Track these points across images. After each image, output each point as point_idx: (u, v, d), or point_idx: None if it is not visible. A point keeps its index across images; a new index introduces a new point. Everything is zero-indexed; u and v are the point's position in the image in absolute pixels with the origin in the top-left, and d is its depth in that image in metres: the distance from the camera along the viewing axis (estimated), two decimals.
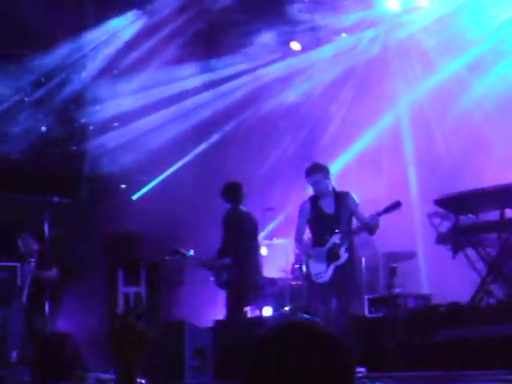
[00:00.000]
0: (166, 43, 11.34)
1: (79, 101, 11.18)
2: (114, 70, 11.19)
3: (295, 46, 11.81)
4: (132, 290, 10.25)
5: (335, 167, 10.05)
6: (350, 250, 7.20)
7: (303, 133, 11.93)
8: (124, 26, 11.21)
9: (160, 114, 11.16)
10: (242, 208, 9.10)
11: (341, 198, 7.29)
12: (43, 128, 10.86)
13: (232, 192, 9.05)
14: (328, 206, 7.31)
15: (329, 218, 7.26)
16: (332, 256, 7.16)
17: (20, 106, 10.59)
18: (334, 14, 11.02)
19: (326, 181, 7.24)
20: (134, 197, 11.66)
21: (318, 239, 7.23)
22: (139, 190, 11.68)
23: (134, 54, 11.19)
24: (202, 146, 11.54)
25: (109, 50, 11.14)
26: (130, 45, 11.18)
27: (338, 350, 2.33)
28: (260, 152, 11.58)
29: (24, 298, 8.83)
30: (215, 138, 11.59)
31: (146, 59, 11.27)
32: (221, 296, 9.19)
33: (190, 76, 11.38)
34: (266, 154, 11.61)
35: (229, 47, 11.50)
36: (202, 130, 11.49)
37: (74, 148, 10.93)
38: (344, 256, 7.35)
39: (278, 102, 11.57)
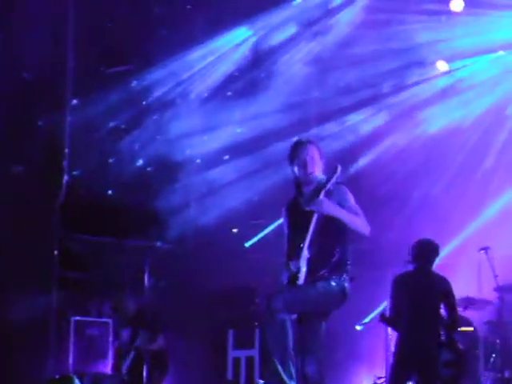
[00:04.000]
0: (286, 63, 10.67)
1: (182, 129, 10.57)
2: (226, 92, 10.67)
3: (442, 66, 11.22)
4: (244, 353, 10.13)
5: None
6: None
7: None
8: (235, 44, 10.71)
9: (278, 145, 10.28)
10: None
11: None
12: (140, 161, 10.37)
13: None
14: None
15: None
16: None
17: (116, 133, 10.20)
18: None
19: None
20: (247, 244, 11.13)
21: None
22: (253, 236, 11.15)
23: (248, 75, 10.71)
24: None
25: (219, 71, 10.61)
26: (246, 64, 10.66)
27: None
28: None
29: (124, 370, 8.49)
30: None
31: (263, 80, 10.74)
32: None
33: None
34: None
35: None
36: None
37: (177, 185, 10.32)
38: None
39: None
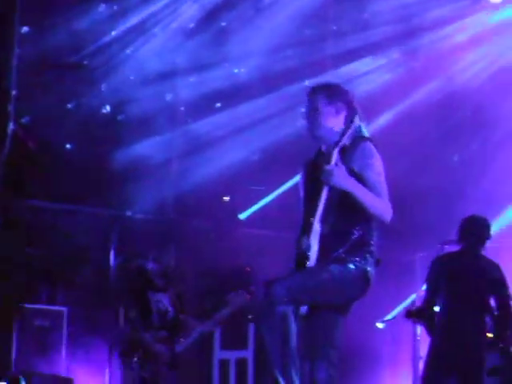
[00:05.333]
0: None
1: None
2: (219, 22, 10.18)
3: None
4: (233, 355, 9.90)
5: None
6: None
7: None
8: None
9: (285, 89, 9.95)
10: None
11: None
12: (107, 108, 9.97)
13: None
14: None
15: None
16: None
17: (77, 70, 9.68)
18: None
19: None
20: (242, 216, 10.63)
21: None
22: (250, 207, 10.69)
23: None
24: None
25: None
26: None
27: None
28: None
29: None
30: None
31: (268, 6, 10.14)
32: None
33: None
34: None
35: None
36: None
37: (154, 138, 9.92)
38: None
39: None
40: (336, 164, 5.16)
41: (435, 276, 7.58)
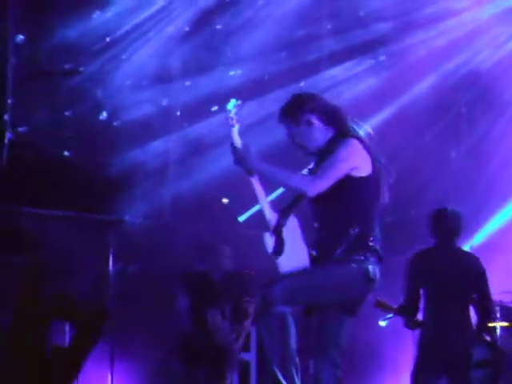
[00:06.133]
0: None
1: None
2: (214, 25, 10.14)
3: None
4: None
5: None
6: None
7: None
8: None
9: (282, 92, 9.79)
10: None
11: None
12: (103, 114, 9.89)
13: None
14: None
15: None
16: None
17: (73, 78, 9.64)
18: None
19: None
20: (241, 218, 9.48)
21: None
22: (249, 209, 9.42)
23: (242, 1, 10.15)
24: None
25: None
26: None
27: None
28: None
29: None
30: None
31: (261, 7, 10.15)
32: None
33: None
34: None
35: None
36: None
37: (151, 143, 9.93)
38: None
39: None
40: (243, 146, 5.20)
41: (415, 273, 7.47)
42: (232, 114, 5.34)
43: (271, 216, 5.45)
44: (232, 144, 5.33)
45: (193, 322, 8.63)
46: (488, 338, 7.62)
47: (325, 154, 5.23)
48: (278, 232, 5.38)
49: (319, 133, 5.27)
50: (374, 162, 5.20)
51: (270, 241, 5.52)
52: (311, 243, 5.34)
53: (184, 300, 8.63)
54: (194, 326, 8.61)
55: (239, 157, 5.28)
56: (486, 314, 7.53)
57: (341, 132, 5.23)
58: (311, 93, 5.52)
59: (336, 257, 5.20)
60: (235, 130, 5.28)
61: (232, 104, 5.34)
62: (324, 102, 5.33)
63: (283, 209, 5.47)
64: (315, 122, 5.26)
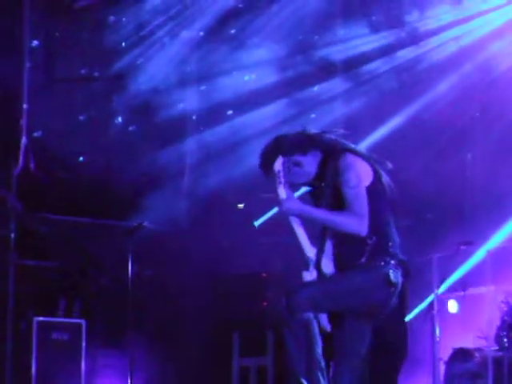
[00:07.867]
0: None
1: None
2: (228, 30, 10.20)
3: None
4: (253, 361, 9.68)
5: None
6: None
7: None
8: None
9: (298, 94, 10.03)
10: None
11: None
12: (119, 119, 10.12)
13: None
14: None
15: None
16: None
17: (88, 83, 9.96)
18: None
19: None
20: (256, 223, 10.51)
21: None
22: (264, 214, 10.50)
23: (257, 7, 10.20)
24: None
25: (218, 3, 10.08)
26: None
27: None
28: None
29: None
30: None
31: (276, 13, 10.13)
32: None
33: None
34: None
35: None
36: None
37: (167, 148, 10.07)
38: None
39: None
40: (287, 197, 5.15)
41: None
42: (281, 172, 5.26)
43: (311, 253, 5.42)
44: (277, 197, 5.25)
45: None
46: None
47: (328, 185, 5.25)
48: (319, 267, 5.41)
49: (310, 165, 5.33)
50: (370, 162, 5.27)
51: (309, 277, 5.52)
52: (331, 260, 5.44)
53: None
54: None
55: (286, 209, 5.23)
56: None
57: (327, 152, 5.30)
58: (278, 136, 5.52)
59: (357, 265, 5.31)
60: (281, 186, 5.24)
61: (280, 163, 5.29)
62: (293, 136, 5.41)
63: (317, 243, 5.48)
64: (301, 159, 5.33)
